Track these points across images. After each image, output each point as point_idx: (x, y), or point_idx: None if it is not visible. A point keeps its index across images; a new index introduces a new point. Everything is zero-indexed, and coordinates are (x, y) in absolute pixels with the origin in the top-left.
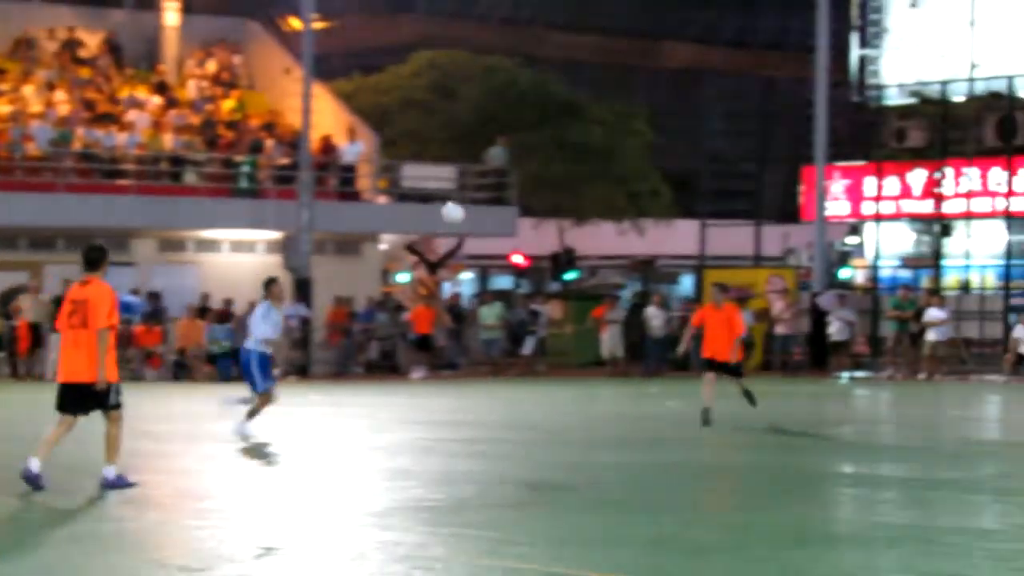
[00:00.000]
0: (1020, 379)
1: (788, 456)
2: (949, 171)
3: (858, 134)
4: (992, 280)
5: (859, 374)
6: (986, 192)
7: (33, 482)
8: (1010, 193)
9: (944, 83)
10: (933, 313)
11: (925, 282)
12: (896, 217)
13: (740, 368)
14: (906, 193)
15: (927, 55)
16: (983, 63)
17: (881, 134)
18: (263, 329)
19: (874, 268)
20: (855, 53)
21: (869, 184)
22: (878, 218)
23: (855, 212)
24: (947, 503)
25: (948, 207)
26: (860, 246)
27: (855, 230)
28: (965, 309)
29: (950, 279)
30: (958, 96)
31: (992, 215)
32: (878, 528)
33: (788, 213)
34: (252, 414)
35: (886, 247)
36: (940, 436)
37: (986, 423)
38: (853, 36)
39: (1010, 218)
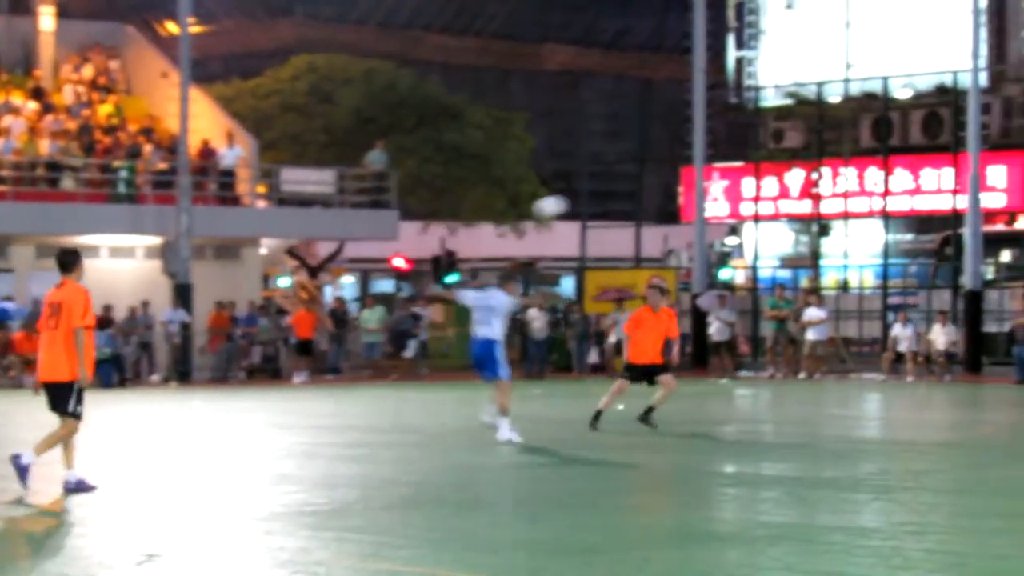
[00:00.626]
0: (899, 377)
1: (671, 456)
2: (826, 171)
3: (736, 135)
4: (870, 279)
5: (740, 374)
6: (863, 192)
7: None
8: (887, 193)
9: (820, 84)
10: (811, 312)
11: (804, 282)
12: (775, 217)
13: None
14: (784, 193)
15: (803, 56)
16: (858, 64)
17: (759, 135)
18: None
19: (753, 268)
20: (732, 55)
21: (747, 185)
22: (757, 218)
23: (734, 213)
24: (828, 501)
25: (826, 207)
26: (739, 247)
27: (734, 231)
28: (844, 308)
29: (829, 279)
30: (834, 97)
31: (869, 215)
32: (759, 527)
33: (668, 214)
34: None
35: (765, 247)
36: (821, 435)
37: (866, 421)
38: (730, 38)
39: (887, 218)
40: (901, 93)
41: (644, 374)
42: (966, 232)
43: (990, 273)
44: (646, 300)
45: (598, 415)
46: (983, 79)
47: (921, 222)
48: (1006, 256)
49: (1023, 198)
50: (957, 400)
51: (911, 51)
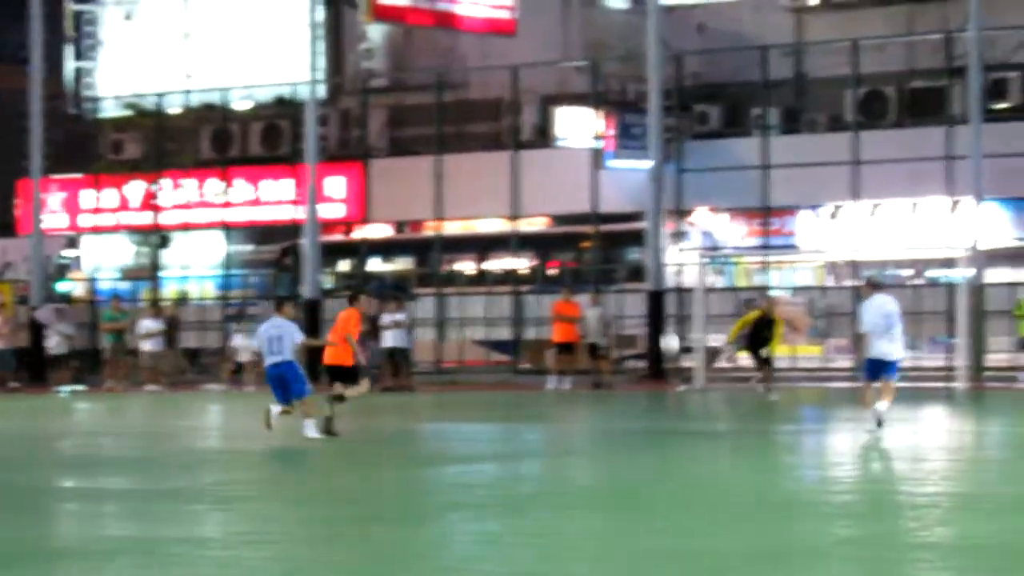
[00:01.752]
0: (238, 387)
1: (4, 473)
2: (167, 183)
3: (75, 147)
4: (211, 290)
5: (79, 387)
6: (204, 203)
7: None
8: (227, 204)
9: (160, 95)
10: (147, 324)
11: (144, 294)
12: (115, 229)
13: None
14: (124, 205)
15: (143, 67)
16: (198, 75)
17: (99, 146)
18: None
19: (93, 281)
20: (71, 65)
21: (87, 197)
22: (96, 230)
23: (73, 225)
24: (170, 513)
25: (166, 219)
26: (78, 259)
27: (73, 243)
28: (185, 319)
29: (169, 290)
30: (174, 108)
31: (210, 226)
32: (98, 541)
33: (5, 226)
34: None
35: (106, 259)
36: (162, 447)
37: (206, 432)
38: (69, 48)
39: (228, 229)
40: (241, 104)
41: None
42: (305, 242)
43: (329, 283)
44: None
45: None
46: (321, 91)
47: (263, 233)
48: (344, 266)
49: (360, 209)
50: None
51: (251, 63)
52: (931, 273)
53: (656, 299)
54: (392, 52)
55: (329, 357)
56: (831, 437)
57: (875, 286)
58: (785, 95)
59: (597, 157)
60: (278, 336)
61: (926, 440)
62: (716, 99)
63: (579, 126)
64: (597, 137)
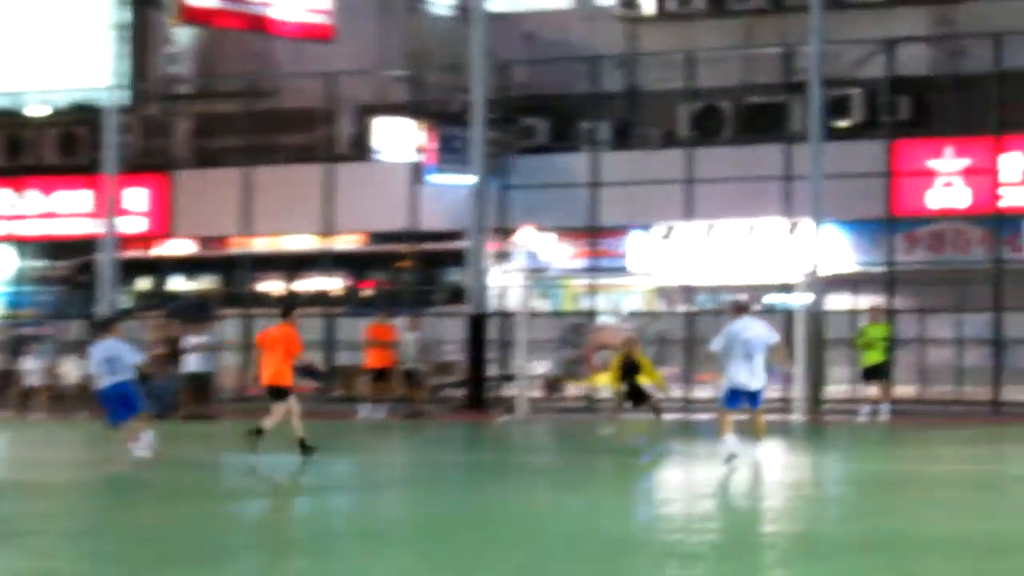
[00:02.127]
0: (28, 413)
1: None
2: None
3: None
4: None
5: None
6: None
7: None
8: (19, 216)
9: None
10: None
11: None
12: None
13: None
14: None
15: None
16: None
17: None
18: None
19: None
20: None
21: None
22: None
23: None
24: None
25: None
26: None
27: None
28: None
29: None
30: None
31: (1, 240)
32: None
33: None
34: None
35: None
36: None
37: None
38: None
39: (20, 243)
40: (36, 110)
41: None
42: (102, 258)
43: (128, 302)
44: None
45: None
46: (124, 97)
47: (57, 248)
48: (145, 283)
49: (163, 223)
50: (88, 439)
51: (48, 65)
52: (768, 299)
53: (477, 323)
54: (200, 56)
55: (270, 377)
56: (664, 472)
57: (741, 309)
58: (617, 108)
59: (417, 172)
60: (116, 356)
61: (762, 476)
62: (544, 112)
63: (398, 138)
64: (417, 150)
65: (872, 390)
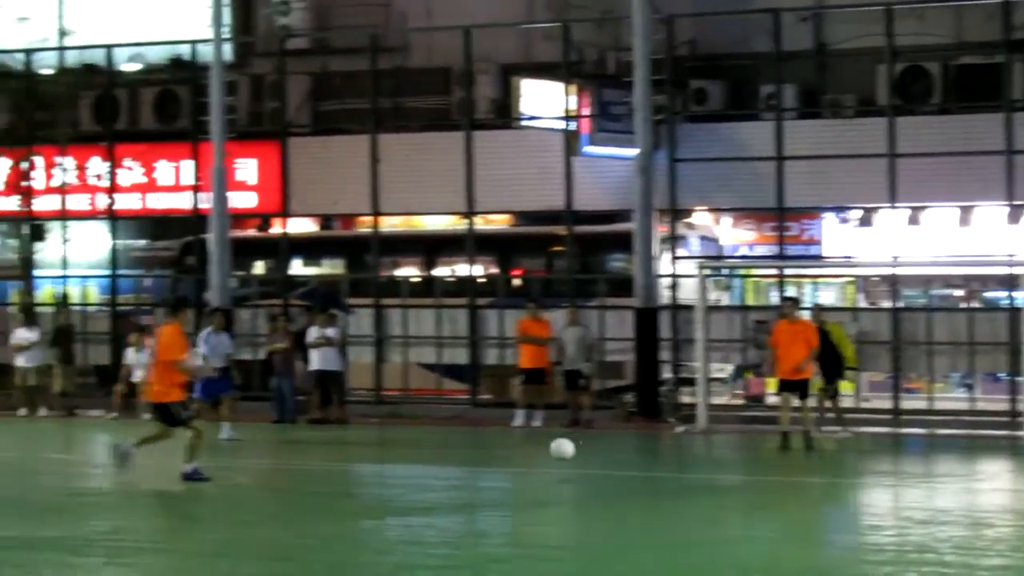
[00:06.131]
0: (135, 413)
1: None
2: (39, 160)
3: None
4: (96, 294)
5: None
6: (86, 187)
7: None
8: (114, 189)
9: (29, 52)
10: (21, 335)
11: (13, 295)
12: None
13: None
14: None
15: (7, 18)
16: (78, 30)
17: None
18: None
19: None
20: None
21: None
22: None
23: None
24: (50, 567)
25: (40, 204)
26: None
27: None
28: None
29: (45, 292)
30: (46, 68)
31: (93, 215)
32: None
33: None
34: None
35: None
36: (38, 485)
37: (93, 468)
38: None
39: (115, 219)
40: (129, 66)
41: None
42: (210, 238)
43: (240, 288)
44: None
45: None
46: (227, 52)
47: (156, 225)
48: (259, 268)
49: (272, 198)
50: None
51: (141, 15)
52: (989, 295)
53: (647, 318)
54: (316, 6)
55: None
56: (869, 494)
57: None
58: (803, 70)
59: (571, 141)
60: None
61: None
62: (717, 74)
63: (547, 103)
64: (569, 117)
65: None
